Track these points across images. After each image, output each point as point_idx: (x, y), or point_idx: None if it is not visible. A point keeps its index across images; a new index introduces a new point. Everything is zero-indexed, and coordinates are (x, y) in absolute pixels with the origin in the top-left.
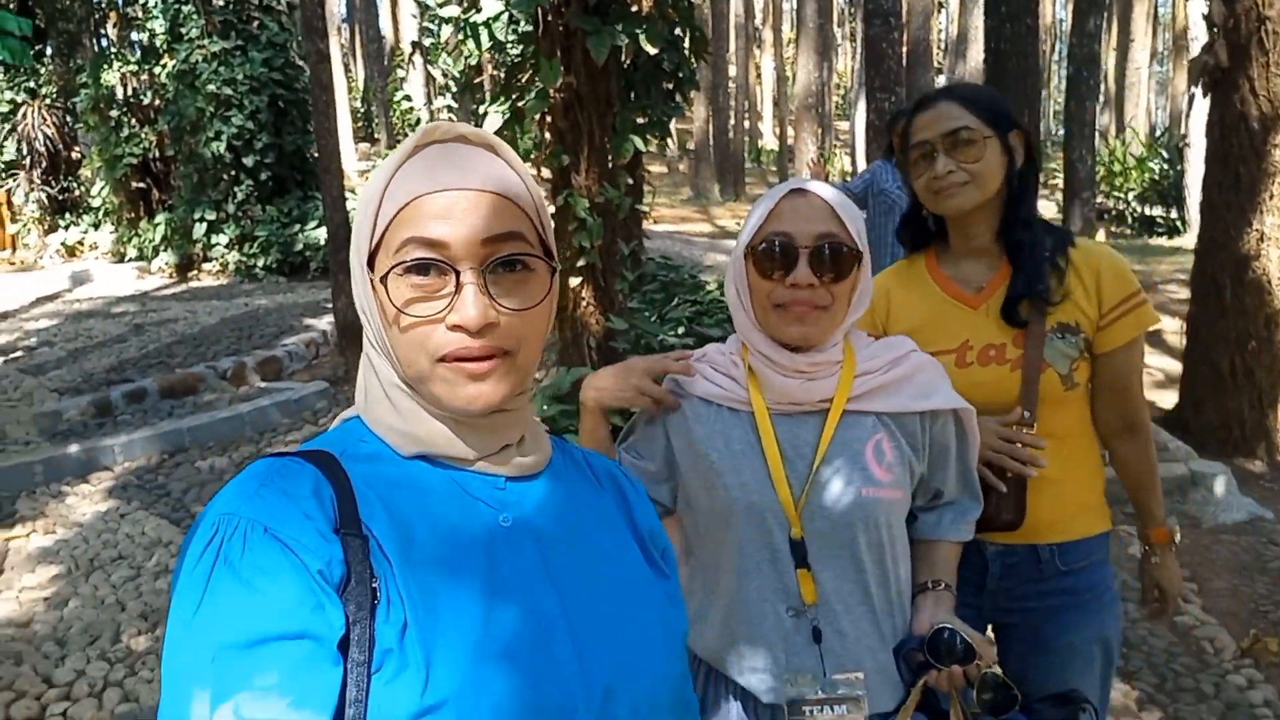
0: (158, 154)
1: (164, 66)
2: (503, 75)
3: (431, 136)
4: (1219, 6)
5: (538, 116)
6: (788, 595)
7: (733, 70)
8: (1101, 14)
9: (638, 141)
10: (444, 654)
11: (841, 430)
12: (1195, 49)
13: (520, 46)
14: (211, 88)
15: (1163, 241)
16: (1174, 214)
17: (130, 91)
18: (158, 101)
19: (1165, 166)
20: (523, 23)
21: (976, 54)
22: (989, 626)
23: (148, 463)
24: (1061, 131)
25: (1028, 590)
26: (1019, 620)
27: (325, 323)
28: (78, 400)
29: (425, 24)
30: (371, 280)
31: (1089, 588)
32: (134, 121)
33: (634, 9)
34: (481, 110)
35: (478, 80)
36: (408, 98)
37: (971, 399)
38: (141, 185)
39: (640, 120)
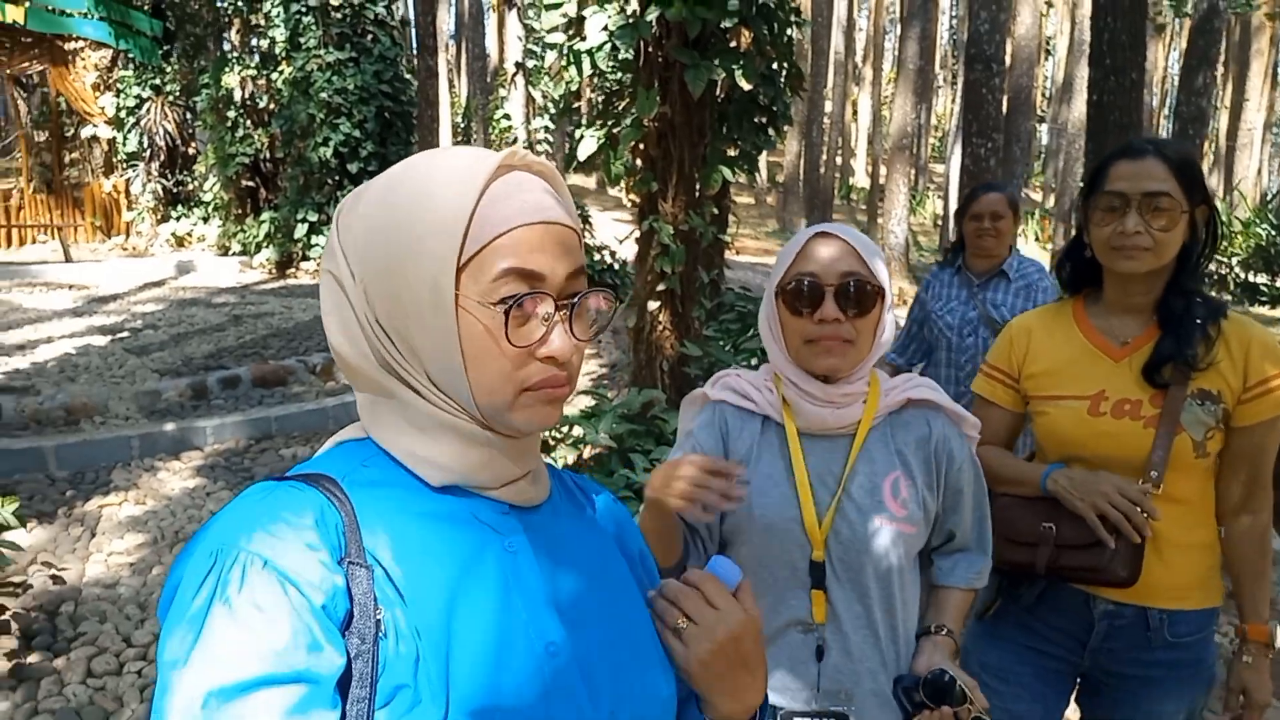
0: (268, 155)
1: (281, 73)
2: (600, 101)
3: (510, 161)
4: None
5: (631, 143)
6: (798, 612)
7: (829, 106)
8: (1211, 71)
9: (726, 173)
10: (460, 686)
11: (864, 462)
12: None
13: (619, 74)
14: (324, 95)
15: (1265, 310)
16: (1279, 282)
17: (248, 94)
18: (272, 105)
19: (1273, 232)
20: (622, 51)
21: (1082, 104)
22: (1077, 680)
23: (236, 446)
24: None
25: (1131, 656)
26: (1115, 683)
27: None
28: (177, 382)
29: (529, 46)
30: (460, 306)
31: (1192, 663)
32: (248, 123)
33: (733, 44)
34: (578, 134)
35: (576, 105)
36: (507, 116)
37: (1097, 449)
38: (250, 184)
39: (730, 152)
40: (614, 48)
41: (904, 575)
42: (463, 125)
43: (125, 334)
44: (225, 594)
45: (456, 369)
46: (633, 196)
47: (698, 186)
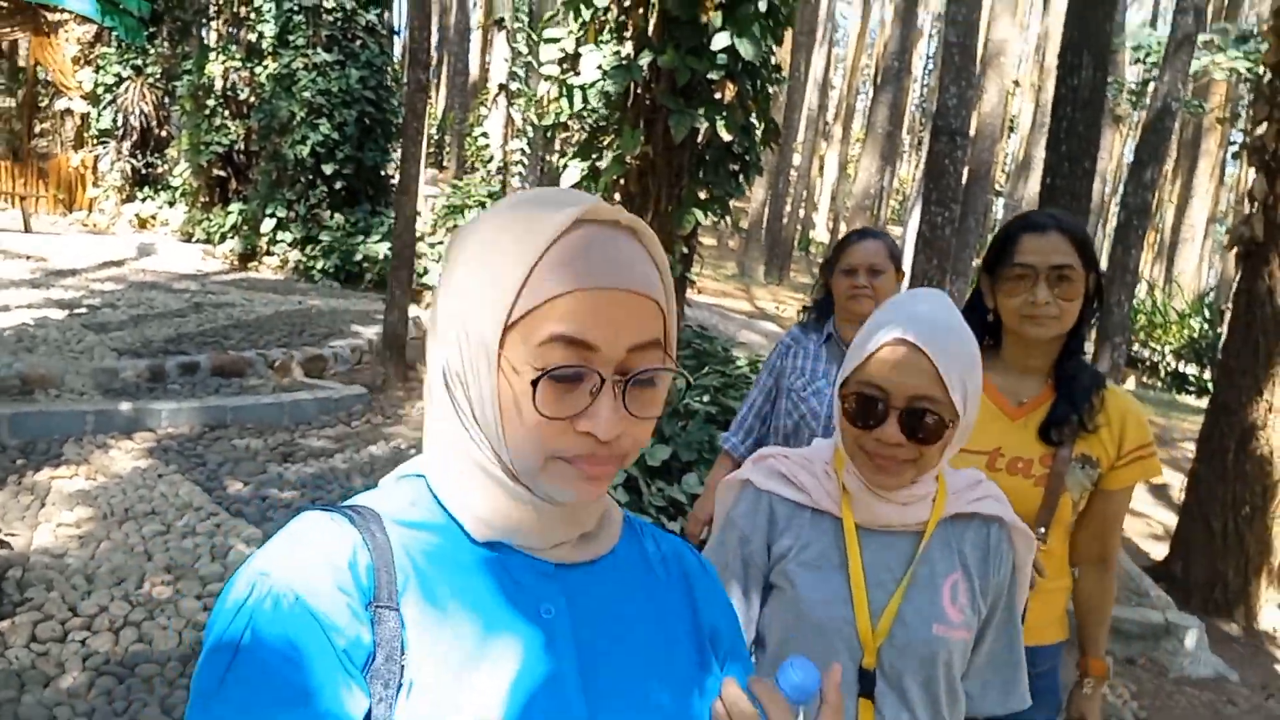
0: (243, 147)
1: (265, 67)
2: (582, 132)
3: (592, 215)
4: (1261, 183)
5: (613, 177)
6: None
7: (797, 159)
8: (1159, 166)
9: (699, 215)
10: None
11: (924, 563)
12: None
13: (606, 111)
14: (306, 94)
15: (1191, 400)
16: (1207, 375)
17: (229, 85)
18: (253, 98)
19: (1205, 326)
20: (610, 87)
21: (1038, 182)
22: None
23: (189, 431)
24: (1105, 273)
25: None
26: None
27: (372, 332)
28: (135, 363)
29: (514, 70)
30: (501, 365)
31: (1048, 689)
32: (226, 113)
33: (718, 95)
34: (561, 163)
35: (564, 136)
36: (485, 134)
37: None
38: (221, 173)
39: (704, 196)
40: (606, 86)
41: (952, 680)
42: (436, 137)
43: (83, 310)
44: (257, 630)
45: (495, 426)
46: None
47: (671, 226)
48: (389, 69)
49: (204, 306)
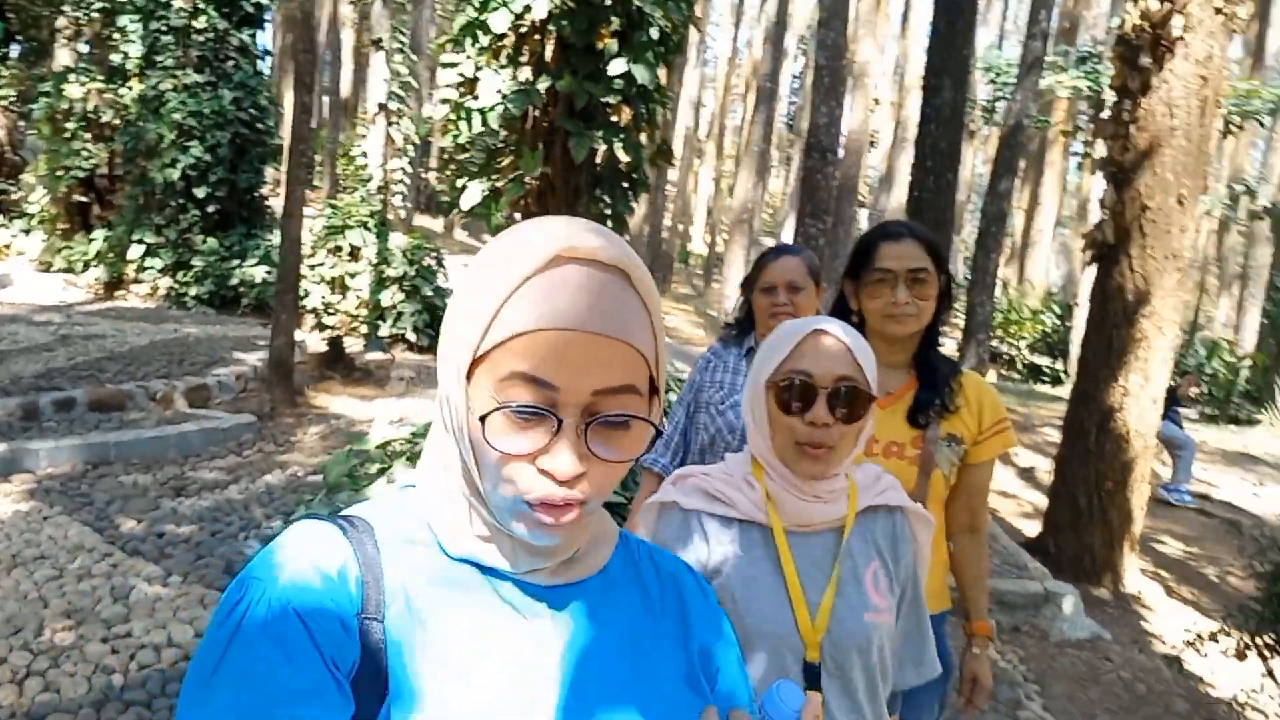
0: (106, 171)
1: (130, 89)
2: (484, 155)
3: (570, 253)
4: (1110, 191)
5: (514, 198)
6: None
7: (673, 175)
8: (1012, 177)
9: None
10: None
11: (847, 558)
12: (1094, 219)
13: (504, 133)
14: (176, 116)
15: (1046, 389)
16: (1059, 365)
17: (91, 108)
18: (116, 121)
19: (1057, 321)
20: (508, 108)
21: (900, 194)
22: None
23: (72, 470)
24: (967, 277)
25: None
26: None
27: (255, 358)
28: (4, 401)
29: (394, 90)
30: (468, 398)
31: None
32: (88, 137)
33: (614, 118)
34: (460, 184)
35: (462, 158)
36: (364, 154)
37: None
38: (83, 199)
39: (595, 212)
40: (506, 109)
41: (884, 662)
42: (306, 159)
43: None
44: (248, 630)
45: (469, 452)
46: (485, 237)
47: None
48: (262, 90)
49: (72, 339)
